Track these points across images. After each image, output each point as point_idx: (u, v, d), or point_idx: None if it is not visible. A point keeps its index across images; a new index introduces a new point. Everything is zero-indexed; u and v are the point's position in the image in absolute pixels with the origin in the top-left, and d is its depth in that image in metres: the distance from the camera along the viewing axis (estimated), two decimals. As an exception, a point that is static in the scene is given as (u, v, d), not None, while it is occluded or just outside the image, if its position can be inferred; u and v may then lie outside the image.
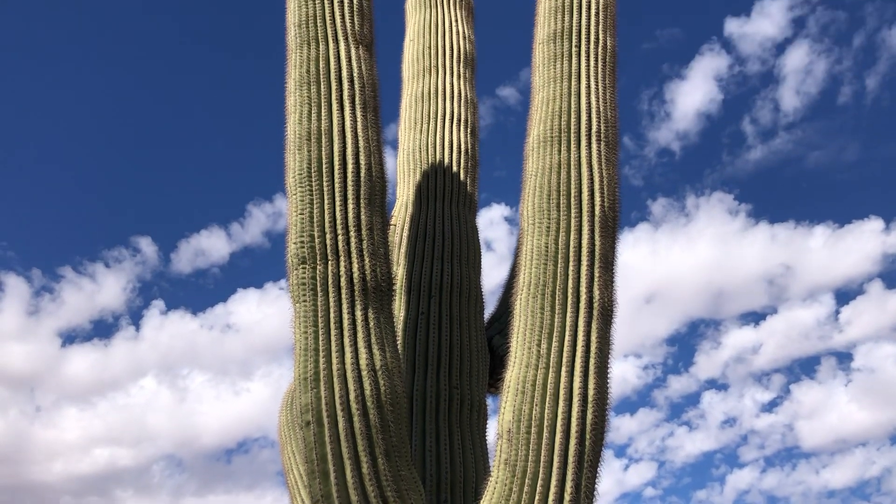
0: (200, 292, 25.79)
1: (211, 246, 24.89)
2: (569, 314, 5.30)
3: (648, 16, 25.17)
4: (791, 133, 24.72)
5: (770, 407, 24.43)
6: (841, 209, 25.62)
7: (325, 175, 5.29)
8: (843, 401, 24.17)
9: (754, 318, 25.93)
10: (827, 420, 23.86)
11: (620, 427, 23.40)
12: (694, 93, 25.22)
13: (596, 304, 5.38)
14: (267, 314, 24.44)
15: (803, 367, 25.57)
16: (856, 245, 24.31)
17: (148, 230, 25.18)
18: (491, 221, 22.19)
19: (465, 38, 7.91)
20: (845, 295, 25.70)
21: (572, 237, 5.51)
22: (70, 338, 24.92)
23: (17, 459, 23.32)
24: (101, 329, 25.07)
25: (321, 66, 5.60)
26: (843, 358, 24.82)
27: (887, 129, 24.63)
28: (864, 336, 24.30)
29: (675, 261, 26.05)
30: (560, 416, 5.08)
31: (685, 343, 25.69)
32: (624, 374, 24.10)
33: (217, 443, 24.73)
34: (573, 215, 5.56)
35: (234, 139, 25.51)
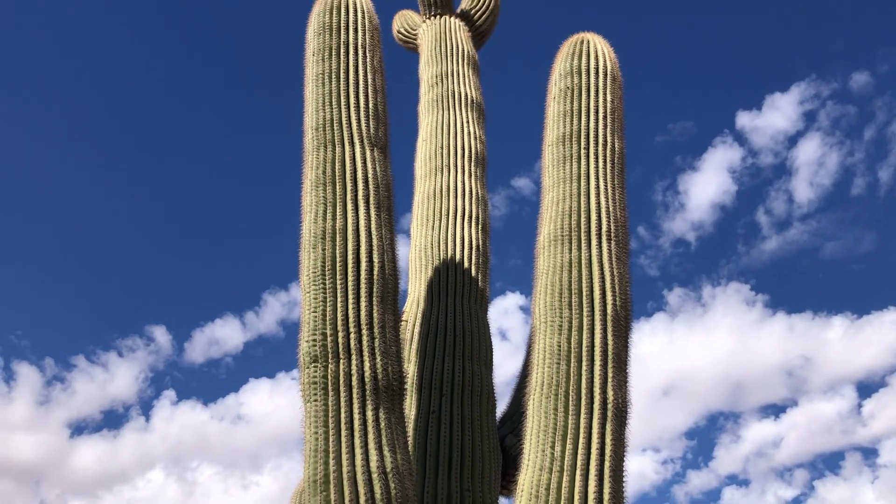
0: (212, 382, 25.67)
1: (225, 335, 24.92)
2: (583, 415, 5.24)
3: (661, 109, 25.86)
4: (806, 224, 24.92)
5: (794, 505, 23.63)
6: (859, 300, 25.53)
7: (338, 273, 5.35)
8: (871, 499, 23.32)
9: (774, 410, 25.44)
10: (854, 519, 22.95)
11: (639, 525, 22.61)
12: (707, 184, 25.60)
13: (610, 405, 5.31)
14: (279, 405, 24.20)
15: (827, 463, 24.86)
16: (875, 336, 24.05)
17: (163, 319, 25.30)
18: (505, 310, 22.16)
19: (475, 137, 8.12)
20: (867, 388, 25.27)
21: (585, 336, 5.49)
22: (79, 429, 24.68)
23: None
24: (111, 420, 24.84)
25: (337, 167, 5.75)
26: (869, 453, 24.15)
27: (903, 220, 24.77)
28: (890, 430, 23.68)
29: (693, 352, 25.81)
30: (575, 522, 4.95)
31: (704, 436, 25.13)
32: (642, 469, 23.46)
33: (223, 539, 23.97)
34: (585, 314, 5.56)
35: (251, 228, 25.94)
